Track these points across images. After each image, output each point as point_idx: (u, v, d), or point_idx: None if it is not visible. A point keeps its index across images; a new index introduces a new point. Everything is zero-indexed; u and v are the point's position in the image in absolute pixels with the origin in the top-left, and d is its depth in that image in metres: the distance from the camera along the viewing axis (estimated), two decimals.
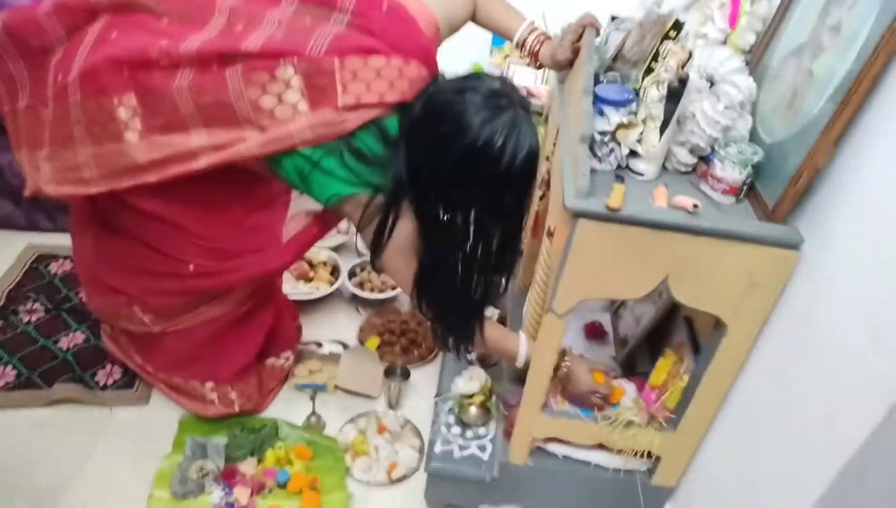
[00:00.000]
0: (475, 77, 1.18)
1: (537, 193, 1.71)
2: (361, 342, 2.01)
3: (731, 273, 1.15)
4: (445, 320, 1.37)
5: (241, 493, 1.52)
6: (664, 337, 1.63)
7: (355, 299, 2.17)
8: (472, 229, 1.20)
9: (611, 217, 1.10)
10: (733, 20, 1.46)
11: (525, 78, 2.29)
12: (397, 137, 1.21)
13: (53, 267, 2.08)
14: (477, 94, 1.12)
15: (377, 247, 1.28)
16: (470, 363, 1.73)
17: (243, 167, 1.32)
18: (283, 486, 1.56)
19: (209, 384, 1.67)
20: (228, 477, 1.55)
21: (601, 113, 1.23)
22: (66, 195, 1.34)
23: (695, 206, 1.10)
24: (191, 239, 1.45)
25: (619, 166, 1.25)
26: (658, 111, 1.18)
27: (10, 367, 1.73)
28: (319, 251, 2.24)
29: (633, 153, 1.23)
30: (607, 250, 1.14)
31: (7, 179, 2.07)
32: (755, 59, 1.35)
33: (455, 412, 1.59)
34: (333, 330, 2.05)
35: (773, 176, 1.16)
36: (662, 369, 1.49)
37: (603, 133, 1.21)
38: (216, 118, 1.22)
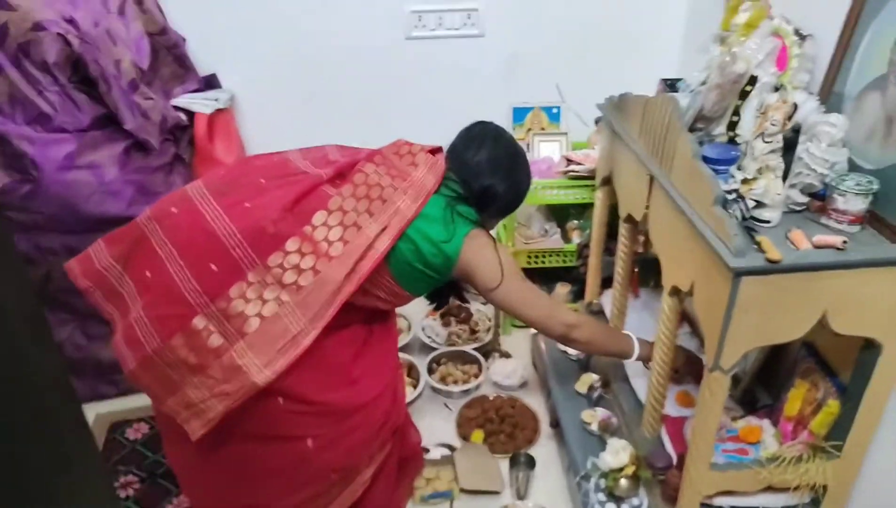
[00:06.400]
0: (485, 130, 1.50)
1: (627, 250, 1.76)
2: (465, 438, 1.98)
3: (883, 296, 1.20)
4: None
5: None
6: (776, 366, 1.68)
7: (438, 394, 2.15)
8: None
9: (771, 269, 1.15)
10: (781, 63, 1.58)
11: (550, 149, 2.38)
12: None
13: (130, 433, 1.98)
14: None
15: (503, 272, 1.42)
16: (599, 437, 1.73)
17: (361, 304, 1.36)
18: None
19: None
20: None
21: (715, 172, 1.30)
22: (284, 368, 1.23)
23: (844, 242, 1.17)
24: (305, 409, 1.31)
25: (743, 218, 1.31)
26: (776, 162, 1.25)
27: None
28: None
29: (756, 204, 1.30)
30: (768, 299, 1.18)
31: (65, 353, 1.98)
32: (822, 96, 1.46)
33: (606, 487, 1.57)
34: (432, 432, 2.01)
35: (892, 198, 1.24)
36: (796, 398, 1.52)
37: (729, 191, 1.27)
38: (374, 203, 1.33)
